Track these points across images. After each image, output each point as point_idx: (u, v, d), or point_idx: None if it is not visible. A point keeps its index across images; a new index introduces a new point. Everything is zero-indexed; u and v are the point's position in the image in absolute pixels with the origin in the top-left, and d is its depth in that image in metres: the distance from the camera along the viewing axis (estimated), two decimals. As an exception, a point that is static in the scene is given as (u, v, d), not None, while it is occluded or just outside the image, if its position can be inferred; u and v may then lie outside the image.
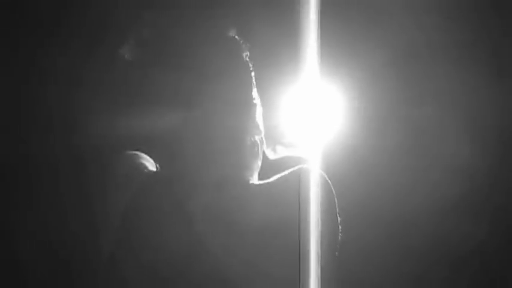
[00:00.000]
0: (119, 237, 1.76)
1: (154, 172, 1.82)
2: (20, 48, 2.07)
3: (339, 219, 1.80)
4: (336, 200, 1.79)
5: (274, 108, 1.93)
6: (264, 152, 1.91)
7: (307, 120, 1.95)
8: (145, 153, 1.86)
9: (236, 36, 1.83)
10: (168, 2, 1.86)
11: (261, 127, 1.86)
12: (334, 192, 1.78)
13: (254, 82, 1.85)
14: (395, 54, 2.07)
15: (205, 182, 1.79)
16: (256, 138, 1.85)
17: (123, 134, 1.86)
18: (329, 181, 1.79)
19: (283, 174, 1.80)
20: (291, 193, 1.78)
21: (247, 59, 1.83)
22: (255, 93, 1.85)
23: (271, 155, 1.91)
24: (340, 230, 1.80)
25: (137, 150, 1.86)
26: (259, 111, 1.86)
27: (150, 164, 1.83)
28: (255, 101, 1.84)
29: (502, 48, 2.13)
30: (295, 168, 1.79)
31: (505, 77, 2.12)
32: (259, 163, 1.86)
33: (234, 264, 1.73)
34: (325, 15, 1.94)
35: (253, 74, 1.84)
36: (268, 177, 1.85)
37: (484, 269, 2.13)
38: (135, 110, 1.81)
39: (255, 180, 1.84)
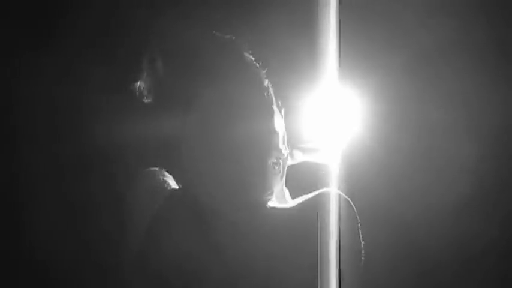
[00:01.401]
0: (136, 251, 1.77)
1: (175, 190, 1.81)
2: (25, 48, 2.07)
3: (362, 243, 1.77)
4: (359, 227, 1.76)
5: (291, 112, 1.92)
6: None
7: (325, 125, 1.94)
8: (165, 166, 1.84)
9: (252, 57, 1.78)
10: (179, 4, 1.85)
11: (284, 148, 1.82)
12: (358, 219, 1.75)
13: (268, 88, 1.80)
14: (412, 57, 2.06)
15: (227, 205, 1.77)
16: (280, 159, 1.81)
17: (137, 141, 1.87)
18: (353, 206, 1.77)
19: (303, 199, 1.77)
20: (311, 216, 1.76)
21: (267, 86, 1.79)
22: (272, 101, 1.80)
23: (288, 161, 1.91)
24: (363, 254, 1.78)
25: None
26: (281, 124, 1.82)
27: (172, 182, 1.82)
28: (275, 109, 1.80)
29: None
30: (316, 193, 1.76)
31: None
32: (281, 185, 1.84)
33: (249, 277, 1.73)
34: (343, 18, 1.93)
35: (267, 82, 1.79)
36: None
37: (497, 268, 2.14)
38: (147, 116, 1.81)
39: (274, 202, 1.81)
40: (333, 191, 1.73)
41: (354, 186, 1.87)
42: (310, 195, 1.75)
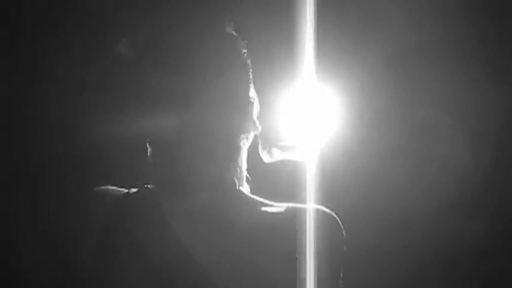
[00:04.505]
0: (98, 248, 1.72)
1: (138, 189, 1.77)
2: (21, 48, 2.02)
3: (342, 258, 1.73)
4: (344, 246, 1.73)
5: (269, 110, 1.88)
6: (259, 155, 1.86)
7: (303, 123, 1.90)
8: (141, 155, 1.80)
9: (233, 33, 1.77)
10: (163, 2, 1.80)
11: (258, 125, 1.81)
12: (344, 234, 1.72)
13: (252, 80, 1.79)
14: (393, 55, 2.04)
15: (194, 186, 1.73)
16: (248, 137, 1.79)
17: (119, 135, 1.82)
18: (339, 223, 1.73)
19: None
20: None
21: (245, 56, 1.77)
22: (252, 91, 1.79)
23: (266, 159, 1.87)
24: (342, 271, 1.74)
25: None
26: (256, 110, 1.81)
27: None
28: (251, 100, 1.78)
29: (500, 49, 2.10)
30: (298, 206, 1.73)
31: (502, 78, 2.10)
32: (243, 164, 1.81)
33: (222, 272, 1.68)
34: (322, 15, 1.90)
35: (251, 71, 1.78)
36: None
37: (481, 268, 2.12)
38: (130, 112, 1.76)
39: (242, 185, 1.79)
40: (313, 208, 1.70)
41: (332, 186, 1.83)
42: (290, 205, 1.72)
